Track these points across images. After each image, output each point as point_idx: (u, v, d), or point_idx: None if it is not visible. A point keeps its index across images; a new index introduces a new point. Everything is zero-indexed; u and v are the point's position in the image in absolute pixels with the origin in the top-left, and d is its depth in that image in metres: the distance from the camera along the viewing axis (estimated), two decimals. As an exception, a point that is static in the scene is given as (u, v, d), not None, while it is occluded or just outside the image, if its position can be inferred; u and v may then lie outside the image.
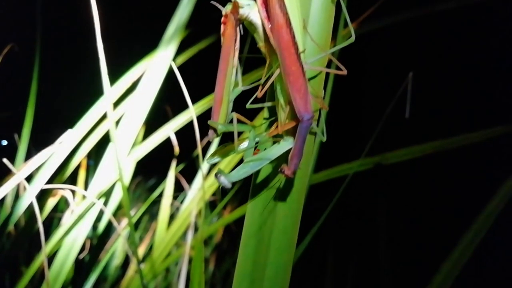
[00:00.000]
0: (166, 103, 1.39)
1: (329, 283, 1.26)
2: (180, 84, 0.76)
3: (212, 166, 1.22)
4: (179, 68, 1.31)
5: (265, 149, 0.43)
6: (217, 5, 0.40)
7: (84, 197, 1.13)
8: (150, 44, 1.10)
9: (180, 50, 1.17)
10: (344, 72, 0.39)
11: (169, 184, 1.28)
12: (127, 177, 1.11)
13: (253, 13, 0.40)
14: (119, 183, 1.05)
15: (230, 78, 0.42)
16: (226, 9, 0.40)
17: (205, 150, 1.42)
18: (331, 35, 0.44)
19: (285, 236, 0.47)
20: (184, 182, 1.41)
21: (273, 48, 0.40)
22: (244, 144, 0.44)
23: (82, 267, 1.17)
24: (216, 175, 0.42)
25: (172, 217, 1.29)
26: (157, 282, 1.33)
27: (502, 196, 0.78)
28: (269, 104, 0.44)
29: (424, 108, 0.88)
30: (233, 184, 0.42)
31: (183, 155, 1.25)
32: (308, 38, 0.42)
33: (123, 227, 1.27)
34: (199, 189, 1.16)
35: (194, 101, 1.09)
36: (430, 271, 0.77)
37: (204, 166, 1.26)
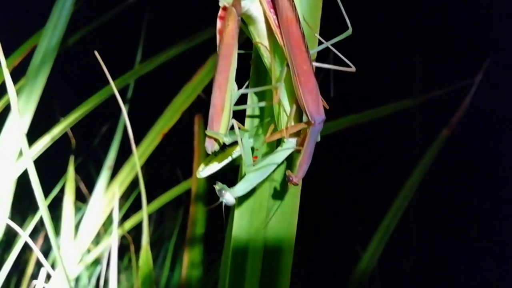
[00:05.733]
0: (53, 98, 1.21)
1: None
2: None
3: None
4: (71, 49, 1.14)
5: (263, 154, 0.39)
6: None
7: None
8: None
9: (72, 29, 1.02)
10: (353, 69, 0.37)
11: (70, 181, 1.14)
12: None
13: (254, 5, 0.34)
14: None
15: (233, 81, 0.36)
16: (225, 1, 0.34)
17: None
18: (319, 27, 0.41)
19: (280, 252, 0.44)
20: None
21: (277, 45, 0.35)
22: (238, 151, 0.39)
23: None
24: (219, 191, 0.37)
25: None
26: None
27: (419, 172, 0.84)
28: (262, 104, 0.40)
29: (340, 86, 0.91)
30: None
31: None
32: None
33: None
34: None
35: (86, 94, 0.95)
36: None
37: (108, 163, 1.14)
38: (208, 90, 0.97)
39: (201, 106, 1.06)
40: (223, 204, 0.37)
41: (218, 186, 0.37)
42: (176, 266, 1.23)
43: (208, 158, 0.39)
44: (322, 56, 0.41)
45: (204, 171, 0.39)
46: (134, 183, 1.27)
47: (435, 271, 1.06)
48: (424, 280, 1.06)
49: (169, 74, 1.15)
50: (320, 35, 0.40)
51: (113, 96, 0.93)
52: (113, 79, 0.94)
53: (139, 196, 1.29)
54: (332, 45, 0.38)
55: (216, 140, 0.37)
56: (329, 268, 1.13)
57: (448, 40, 1.02)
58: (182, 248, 1.17)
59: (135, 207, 1.19)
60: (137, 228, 1.46)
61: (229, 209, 0.42)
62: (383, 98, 0.93)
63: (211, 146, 0.37)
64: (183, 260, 0.93)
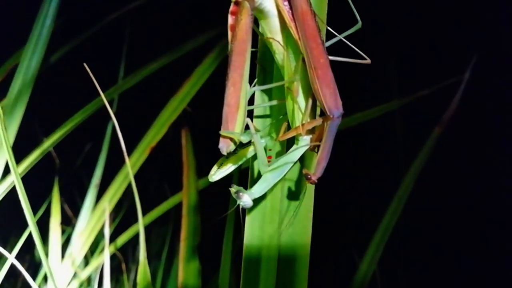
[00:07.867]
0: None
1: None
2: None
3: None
4: (53, 67, 1.11)
5: (276, 154, 0.38)
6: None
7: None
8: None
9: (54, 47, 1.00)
10: (368, 61, 0.36)
11: (55, 201, 1.09)
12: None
13: None
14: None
15: (247, 78, 0.35)
16: (238, -4, 0.32)
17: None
18: (326, 20, 0.40)
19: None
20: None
21: (291, 39, 0.34)
22: (252, 151, 0.38)
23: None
24: (235, 193, 0.35)
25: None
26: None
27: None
28: (273, 102, 0.39)
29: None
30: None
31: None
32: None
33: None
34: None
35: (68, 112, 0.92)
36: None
37: (94, 181, 1.10)
38: (194, 104, 0.95)
39: (187, 119, 1.04)
40: (240, 207, 0.36)
41: (234, 188, 0.36)
42: (168, 285, 1.19)
43: (220, 160, 0.38)
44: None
45: (217, 174, 0.37)
46: (119, 204, 1.23)
47: (435, 269, 1.06)
48: (426, 279, 1.06)
49: (154, 88, 1.13)
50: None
51: (94, 115, 0.91)
52: (97, 94, 0.92)
53: (125, 216, 1.25)
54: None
55: (231, 139, 0.35)
56: (329, 276, 1.11)
57: (434, 39, 1.03)
58: (175, 263, 1.13)
59: (122, 228, 1.16)
60: (124, 249, 1.42)
61: (244, 213, 0.40)
62: (371, 100, 0.93)
63: (226, 147, 0.35)
64: (178, 275, 0.90)
